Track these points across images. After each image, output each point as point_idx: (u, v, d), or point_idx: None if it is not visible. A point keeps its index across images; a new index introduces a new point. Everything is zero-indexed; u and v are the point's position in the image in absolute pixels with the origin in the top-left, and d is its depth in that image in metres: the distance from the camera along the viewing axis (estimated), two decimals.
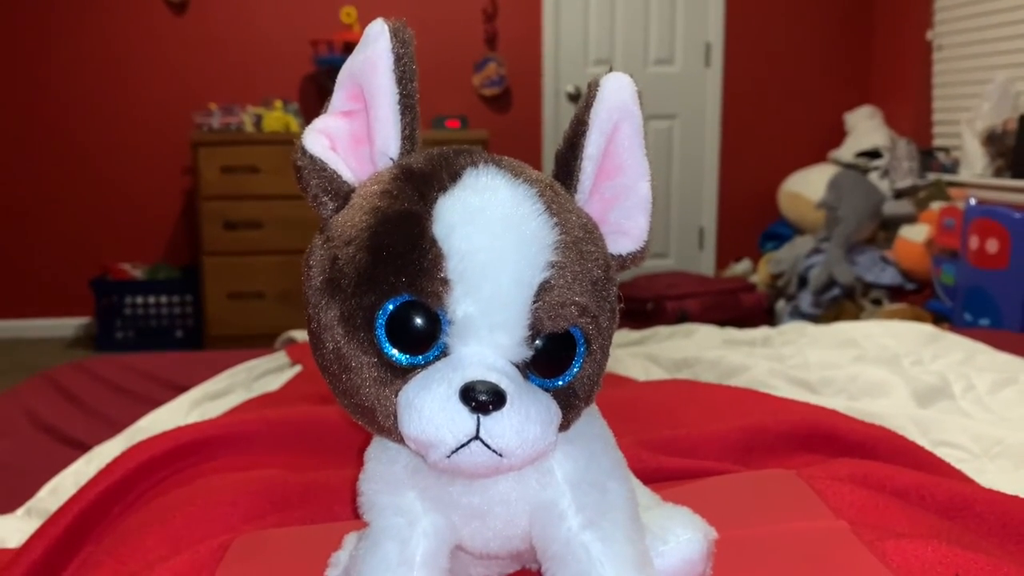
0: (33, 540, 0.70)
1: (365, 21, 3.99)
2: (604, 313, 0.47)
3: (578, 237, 0.46)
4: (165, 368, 1.59)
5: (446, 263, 0.43)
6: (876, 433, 0.79)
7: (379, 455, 0.50)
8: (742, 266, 4.33)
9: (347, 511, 0.70)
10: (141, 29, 3.95)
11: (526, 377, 0.45)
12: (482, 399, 0.41)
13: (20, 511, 1.02)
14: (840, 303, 3.60)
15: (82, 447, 1.23)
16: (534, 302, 0.43)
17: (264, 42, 4.03)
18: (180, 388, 1.46)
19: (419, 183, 0.45)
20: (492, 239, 0.43)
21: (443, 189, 0.45)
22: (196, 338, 3.80)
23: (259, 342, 2.73)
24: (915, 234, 3.52)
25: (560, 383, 0.46)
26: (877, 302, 3.58)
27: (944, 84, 4.02)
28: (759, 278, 4.06)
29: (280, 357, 1.52)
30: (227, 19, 4.00)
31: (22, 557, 0.68)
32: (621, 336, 1.80)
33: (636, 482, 0.56)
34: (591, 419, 0.52)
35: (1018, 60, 3.52)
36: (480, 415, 0.42)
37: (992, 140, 3.49)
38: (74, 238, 4.03)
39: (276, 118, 3.69)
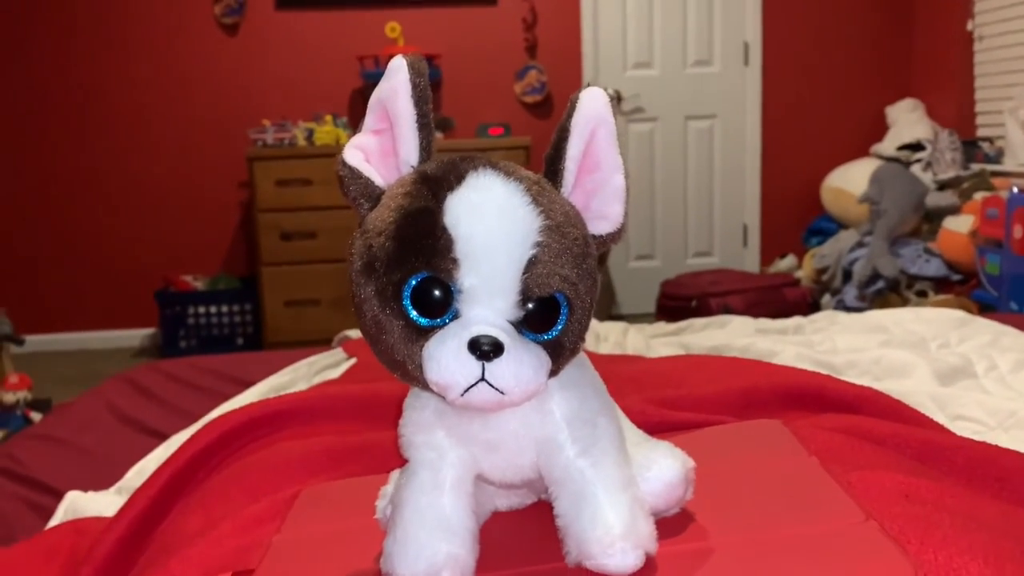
0: (135, 497, 0.82)
1: (410, 35, 4.14)
2: (583, 281, 0.57)
3: (560, 222, 0.57)
4: (231, 367, 1.72)
5: (455, 246, 0.54)
6: (863, 393, 0.87)
7: (413, 403, 0.61)
8: (787, 262, 4.36)
9: (398, 464, 0.81)
10: (197, 51, 4.15)
11: (520, 332, 0.56)
12: (485, 349, 0.53)
13: (111, 489, 1.14)
14: (885, 296, 3.62)
15: (161, 436, 1.36)
16: (524, 274, 0.54)
17: (313, 59, 4.18)
18: (246, 383, 1.58)
19: (433, 185, 0.56)
20: (489, 226, 0.54)
21: (451, 189, 0.56)
22: (256, 345, 3.96)
23: (315, 347, 2.86)
24: (959, 225, 3.52)
25: (548, 336, 0.56)
26: (922, 294, 3.58)
27: (986, 74, 4.01)
28: (804, 273, 4.08)
29: (337, 353, 1.63)
30: (276, 39, 4.17)
31: (126, 512, 0.80)
32: (658, 328, 1.88)
33: (627, 422, 0.66)
34: (584, 371, 0.62)
35: None
36: (484, 362, 0.53)
37: None
38: (139, 253, 4.24)
39: (327, 132, 3.84)
